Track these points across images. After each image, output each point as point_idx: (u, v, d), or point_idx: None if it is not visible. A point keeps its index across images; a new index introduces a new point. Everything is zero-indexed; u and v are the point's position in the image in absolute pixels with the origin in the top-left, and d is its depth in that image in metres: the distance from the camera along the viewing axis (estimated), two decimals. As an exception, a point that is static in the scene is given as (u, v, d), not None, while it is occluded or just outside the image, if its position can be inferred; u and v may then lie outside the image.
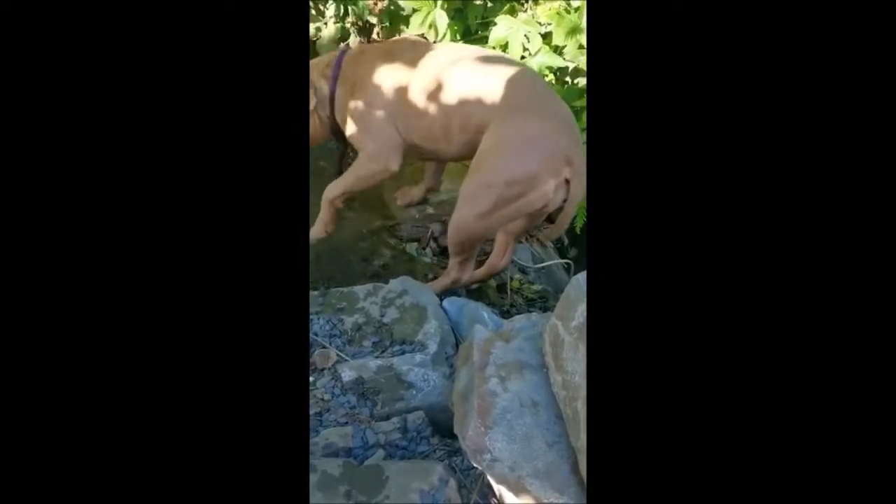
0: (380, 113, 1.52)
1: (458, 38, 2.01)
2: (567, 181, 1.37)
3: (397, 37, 1.90)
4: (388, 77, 1.51)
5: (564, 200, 1.40)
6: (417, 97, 1.48)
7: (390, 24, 2.07)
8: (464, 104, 1.44)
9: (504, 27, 1.86)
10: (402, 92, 1.49)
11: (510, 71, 1.44)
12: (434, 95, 1.46)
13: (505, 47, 1.87)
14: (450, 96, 1.45)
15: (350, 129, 1.57)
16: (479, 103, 1.42)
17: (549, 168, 1.35)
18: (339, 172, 1.69)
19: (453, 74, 1.45)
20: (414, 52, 1.52)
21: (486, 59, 1.49)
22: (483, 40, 1.96)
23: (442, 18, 1.90)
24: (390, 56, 1.53)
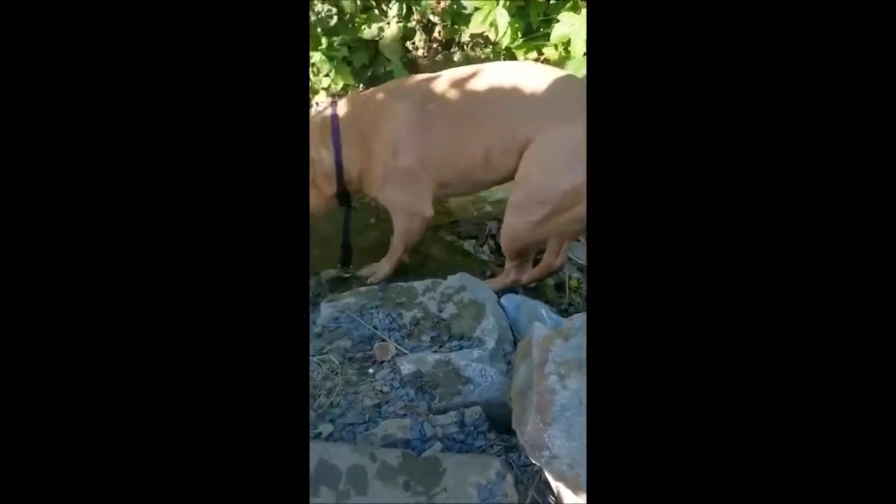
0: (404, 161, 1.43)
1: (520, 35, 2.00)
2: None
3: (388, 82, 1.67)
4: (401, 122, 1.41)
5: None
6: (445, 133, 1.39)
7: (452, 22, 2.09)
8: (504, 125, 1.36)
9: (567, 24, 1.84)
10: (423, 132, 1.41)
11: (546, 78, 1.37)
12: (466, 125, 1.38)
13: (567, 45, 1.86)
14: (485, 121, 1.37)
15: (374, 188, 1.49)
16: (521, 119, 1.35)
17: None
18: (346, 236, 1.60)
19: (482, 97, 1.37)
20: (415, 89, 1.43)
21: (511, 73, 1.39)
22: (545, 38, 1.95)
23: (503, 16, 1.89)
24: (392, 99, 1.44)
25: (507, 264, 1.51)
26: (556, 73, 1.40)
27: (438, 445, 1.01)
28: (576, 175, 1.31)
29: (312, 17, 1.99)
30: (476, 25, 1.92)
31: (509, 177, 1.42)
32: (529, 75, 1.38)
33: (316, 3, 1.97)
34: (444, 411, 1.08)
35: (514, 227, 1.41)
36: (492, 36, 1.95)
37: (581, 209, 1.35)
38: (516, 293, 1.51)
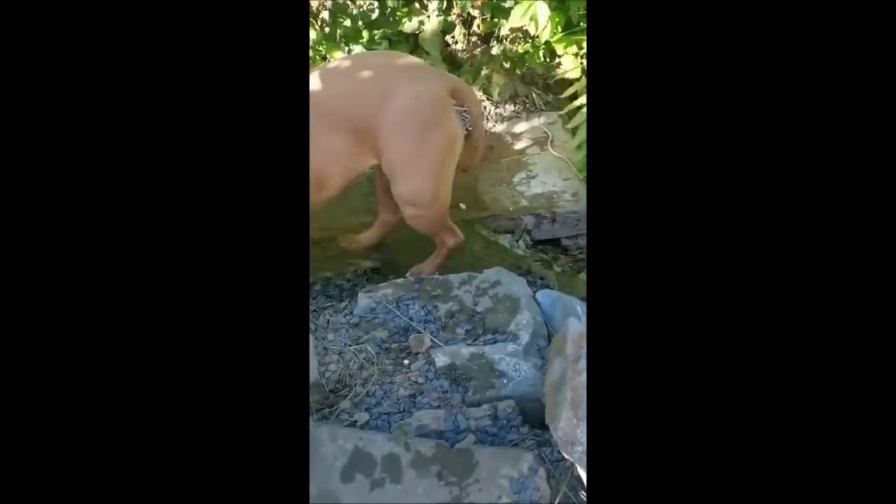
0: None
1: (559, 30, 1.99)
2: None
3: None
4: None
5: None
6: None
7: (492, 16, 2.09)
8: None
9: (607, 19, 1.82)
10: None
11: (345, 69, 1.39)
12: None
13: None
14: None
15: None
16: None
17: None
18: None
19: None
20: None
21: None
22: (584, 33, 1.93)
23: (543, 11, 1.88)
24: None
25: (437, 239, 1.54)
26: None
27: (471, 437, 1.02)
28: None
29: (355, 11, 2.01)
30: (516, 19, 1.91)
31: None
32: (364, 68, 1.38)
33: (358, -4, 1.99)
34: (477, 404, 1.09)
35: (415, 217, 1.43)
36: (531, 30, 1.94)
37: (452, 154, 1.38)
38: (551, 288, 1.51)
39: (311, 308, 1.38)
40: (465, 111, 1.40)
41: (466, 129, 1.41)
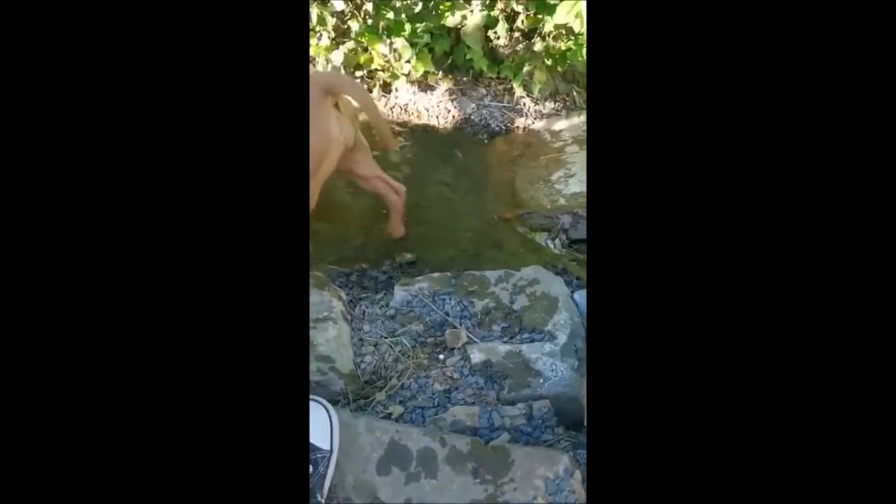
0: None
1: (604, 28, 1.97)
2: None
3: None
4: None
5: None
6: None
7: (536, 12, 2.07)
8: None
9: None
10: None
11: None
12: None
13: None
14: None
15: None
16: None
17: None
18: None
19: None
20: None
21: None
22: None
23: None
24: None
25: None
26: None
27: (506, 436, 1.02)
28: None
29: (398, 3, 2.00)
30: (561, 16, 1.90)
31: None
32: None
33: (402, -11, 1.99)
34: (512, 402, 1.09)
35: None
36: (576, 27, 1.92)
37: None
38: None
39: (347, 298, 1.38)
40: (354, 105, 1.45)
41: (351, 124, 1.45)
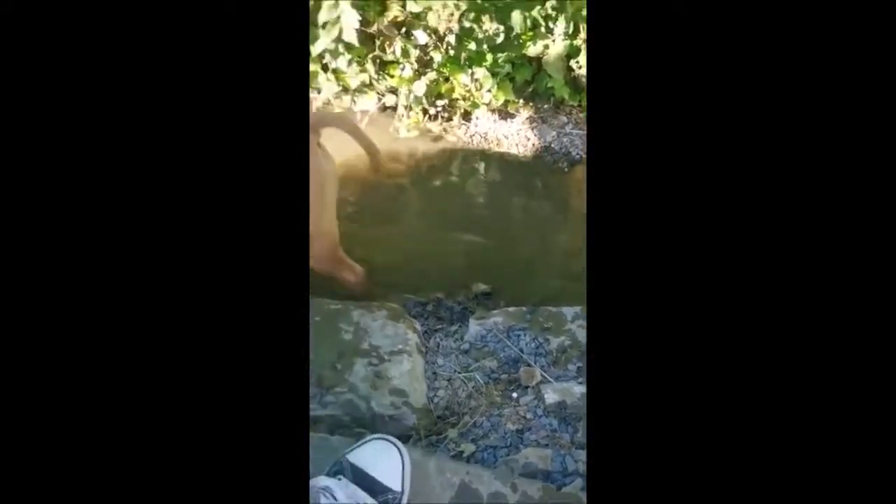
0: None
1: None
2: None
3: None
4: None
5: None
6: None
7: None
8: None
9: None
10: None
11: None
12: None
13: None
14: None
15: None
16: None
17: None
18: None
19: None
20: None
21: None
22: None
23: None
24: None
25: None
26: None
27: (580, 482, 0.99)
28: None
29: (480, 35, 2.03)
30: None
31: None
32: None
33: (484, 21, 2.01)
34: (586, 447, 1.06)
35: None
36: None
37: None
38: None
39: (423, 329, 1.39)
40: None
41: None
